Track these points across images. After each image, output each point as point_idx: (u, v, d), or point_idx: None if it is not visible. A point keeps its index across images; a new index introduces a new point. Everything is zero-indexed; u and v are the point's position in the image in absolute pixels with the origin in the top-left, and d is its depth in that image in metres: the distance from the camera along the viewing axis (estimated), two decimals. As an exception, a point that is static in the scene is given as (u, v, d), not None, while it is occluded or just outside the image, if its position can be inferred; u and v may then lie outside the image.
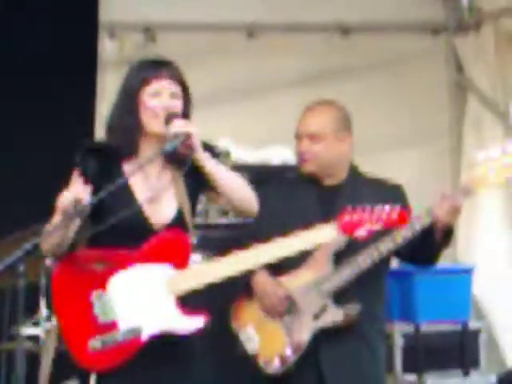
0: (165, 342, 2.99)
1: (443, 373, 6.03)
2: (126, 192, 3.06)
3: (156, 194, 3.07)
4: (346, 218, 3.03)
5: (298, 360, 3.66)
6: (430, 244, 3.66)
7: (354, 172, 3.89)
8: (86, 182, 3.01)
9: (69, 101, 6.50)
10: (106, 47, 6.91)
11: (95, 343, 2.99)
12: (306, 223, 3.24)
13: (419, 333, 5.93)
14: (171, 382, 3.09)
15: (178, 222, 3.07)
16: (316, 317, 3.67)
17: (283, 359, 3.68)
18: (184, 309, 3.02)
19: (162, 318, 3.03)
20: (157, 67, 3.11)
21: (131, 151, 3.08)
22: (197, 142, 2.97)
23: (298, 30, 6.91)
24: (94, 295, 3.03)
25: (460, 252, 6.89)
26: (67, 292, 3.06)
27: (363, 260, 3.61)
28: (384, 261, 3.71)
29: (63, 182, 3.18)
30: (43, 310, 5.36)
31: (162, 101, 3.03)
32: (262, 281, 3.68)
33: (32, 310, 5.30)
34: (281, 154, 6.20)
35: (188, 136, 2.95)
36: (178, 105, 3.07)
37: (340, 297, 3.67)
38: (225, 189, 3.06)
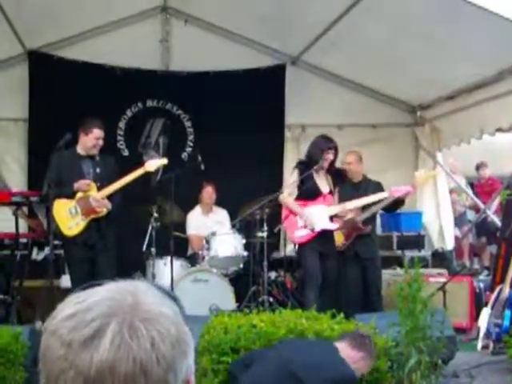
0: (325, 233, 7.26)
1: None
2: (312, 180, 7.34)
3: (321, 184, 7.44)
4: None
5: (348, 245, 7.54)
6: (394, 206, 7.60)
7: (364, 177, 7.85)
8: (299, 174, 7.31)
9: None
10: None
11: (298, 232, 7.28)
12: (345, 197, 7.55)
13: None
14: (327, 249, 7.35)
15: (330, 192, 7.41)
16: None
17: (343, 243, 7.57)
18: (331, 220, 7.33)
19: (324, 222, 7.29)
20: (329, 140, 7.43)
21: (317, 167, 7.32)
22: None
23: None
24: (300, 211, 7.30)
25: None
26: (289, 213, 7.35)
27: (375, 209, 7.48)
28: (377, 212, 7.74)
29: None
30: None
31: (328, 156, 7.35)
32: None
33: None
34: None
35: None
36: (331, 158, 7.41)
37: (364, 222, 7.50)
38: None
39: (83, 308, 1.00)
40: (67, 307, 1.02)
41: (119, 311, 0.99)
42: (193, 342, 1.06)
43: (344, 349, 4.25)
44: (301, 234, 7.25)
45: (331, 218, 7.35)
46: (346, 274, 7.55)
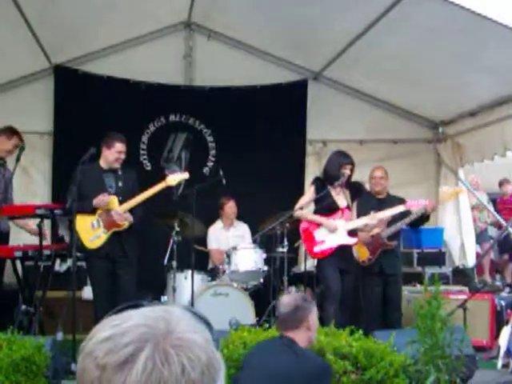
0: (343, 247, 7.22)
1: None
2: (329, 195, 7.28)
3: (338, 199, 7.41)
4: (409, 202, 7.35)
5: (373, 260, 7.49)
6: (420, 222, 7.54)
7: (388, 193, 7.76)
8: (315, 191, 7.36)
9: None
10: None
11: (317, 247, 7.24)
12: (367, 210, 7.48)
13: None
14: (346, 265, 7.30)
15: (348, 207, 7.33)
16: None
17: (369, 258, 7.49)
18: (348, 235, 7.27)
19: (342, 237, 7.27)
20: (346, 156, 7.34)
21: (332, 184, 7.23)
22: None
23: None
24: (316, 229, 7.30)
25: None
26: (306, 228, 7.34)
27: (400, 224, 7.39)
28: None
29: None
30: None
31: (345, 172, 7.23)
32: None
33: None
34: None
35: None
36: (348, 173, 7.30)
37: (389, 238, 7.44)
38: None
39: (119, 332, 1.03)
40: (103, 330, 1.06)
41: (152, 337, 1.02)
42: (223, 368, 1.09)
43: (297, 334, 4.13)
44: (319, 248, 7.25)
45: (350, 233, 7.34)
46: (368, 289, 7.53)
